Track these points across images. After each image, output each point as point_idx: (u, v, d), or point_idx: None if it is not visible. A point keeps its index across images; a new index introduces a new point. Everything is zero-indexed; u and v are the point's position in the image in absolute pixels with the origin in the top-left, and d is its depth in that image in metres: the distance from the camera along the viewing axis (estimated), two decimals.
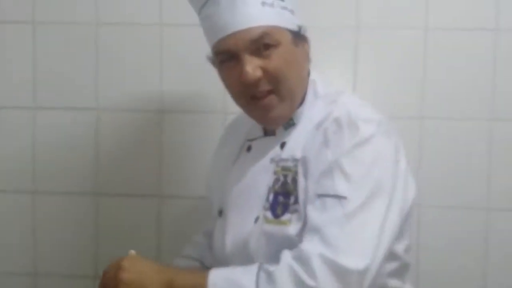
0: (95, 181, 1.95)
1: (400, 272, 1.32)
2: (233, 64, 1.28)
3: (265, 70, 1.26)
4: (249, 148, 1.40)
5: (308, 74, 1.38)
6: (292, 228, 1.24)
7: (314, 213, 1.19)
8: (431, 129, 1.84)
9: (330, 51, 1.84)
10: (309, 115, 1.33)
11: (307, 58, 1.36)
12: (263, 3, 1.26)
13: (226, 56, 1.29)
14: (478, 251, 1.85)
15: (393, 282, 1.29)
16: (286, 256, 1.17)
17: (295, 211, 1.25)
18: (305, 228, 1.19)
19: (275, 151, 1.34)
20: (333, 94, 1.33)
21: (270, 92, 1.29)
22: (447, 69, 1.83)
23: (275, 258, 1.21)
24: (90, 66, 1.93)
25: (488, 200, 1.85)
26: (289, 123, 1.34)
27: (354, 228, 1.16)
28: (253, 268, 1.18)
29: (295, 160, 1.28)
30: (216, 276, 1.19)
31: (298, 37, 1.31)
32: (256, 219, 1.30)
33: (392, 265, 1.27)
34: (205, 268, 1.51)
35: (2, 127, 1.97)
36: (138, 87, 1.92)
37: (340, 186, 1.18)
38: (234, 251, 1.34)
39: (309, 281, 1.12)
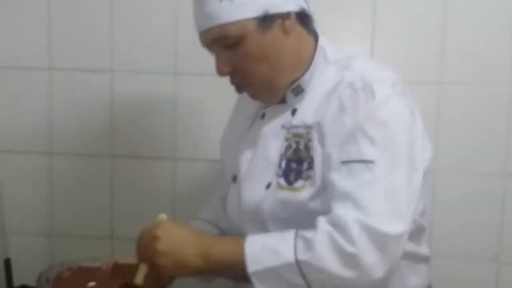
0: (110, 143, 1.96)
1: (415, 235, 1.32)
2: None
3: (234, 65, 1.28)
4: (263, 116, 1.40)
5: (317, 39, 1.35)
6: (305, 194, 1.24)
7: (342, 180, 1.17)
8: (450, 94, 1.83)
9: (348, 15, 1.83)
10: (320, 81, 1.31)
11: (286, 35, 1.28)
12: None
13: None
14: (494, 216, 1.86)
15: (409, 245, 1.28)
16: (323, 222, 1.16)
17: (308, 177, 1.24)
18: (332, 195, 1.18)
19: (286, 117, 1.33)
20: (345, 59, 1.31)
21: (243, 84, 1.31)
22: (466, 33, 1.81)
23: (288, 224, 1.22)
24: (105, 27, 1.92)
25: (506, 166, 1.84)
26: (298, 90, 1.32)
27: (385, 191, 1.15)
28: (290, 234, 1.17)
29: (308, 127, 1.27)
30: (253, 242, 1.19)
31: (267, 20, 1.25)
32: (268, 185, 1.30)
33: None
34: (221, 231, 1.53)
35: (18, 88, 1.98)
36: (152, 48, 1.91)
37: (366, 150, 1.17)
38: (247, 216, 1.34)
39: (348, 247, 1.11)
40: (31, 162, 1.99)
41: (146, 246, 1.25)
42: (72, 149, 1.98)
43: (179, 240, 1.24)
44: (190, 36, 1.83)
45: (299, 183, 1.25)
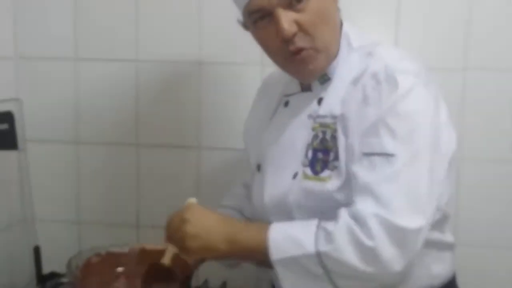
0: (136, 132, 1.98)
1: (440, 224, 1.32)
2: (267, 22, 1.26)
3: (300, 24, 1.24)
4: (286, 103, 1.40)
5: (341, 25, 1.34)
6: (332, 184, 1.24)
7: (363, 173, 1.18)
8: (475, 81, 1.81)
9: (372, 2, 1.82)
10: (345, 69, 1.30)
11: (337, 7, 1.31)
12: None
13: (259, 15, 1.26)
14: None
15: (433, 233, 1.29)
16: (344, 215, 1.16)
17: (335, 167, 1.24)
18: (354, 188, 1.19)
19: (313, 107, 1.33)
20: (368, 46, 1.30)
21: (306, 46, 1.26)
22: (491, 19, 1.79)
23: (313, 214, 1.23)
24: (130, 17, 1.93)
25: None
26: (324, 78, 1.32)
27: (405, 185, 1.15)
28: (312, 225, 1.19)
29: (334, 117, 1.27)
30: (276, 231, 1.21)
31: None
32: (295, 175, 1.30)
33: (433, 217, 1.25)
34: (245, 217, 1.55)
35: (45, 78, 2.00)
36: (177, 38, 1.92)
37: (387, 143, 1.17)
38: (273, 206, 1.34)
39: (367, 241, 1.12)
40: (58, 151, 2.02)
41: (175, 228, 1.27)
42: (98, 138, 2.00)
43: (208, 224, 1.26)
44: (214, 25, 1.87)
45: (326, 173, 1.25)
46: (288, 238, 1.19)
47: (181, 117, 1.95)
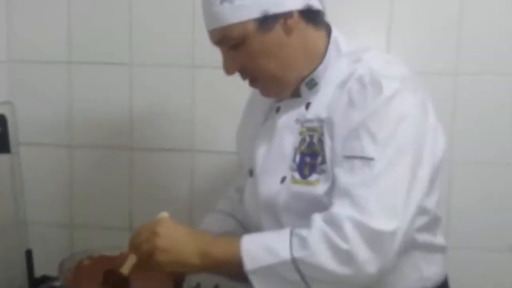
0: (129, 135, 1.98)
1: (431, 226, 1.32)
2: None
3: (240, 63, 1.29)
4: (278, 109, 1.40)
5: (329, 31, 1.34)
6: (320, 188, 1.24)
7: (343, 176, 1.18)
8: (466, 85, 1.82)
9: (365, 7, 1.83)
10: (333, 74, 1.30)
11: (289, 34, 1.27)
12: (222, 1, 1.24)
13: None
14: (510, 206, 1.85)
15: (424, 236, 1.30)
16: (317, 220, 1.17)
17: (323, 171, 1.25)
18: (334, 190, 1.19)
19: (300, 111, 1.33)
20: (358, 52, 1.30)
21: (254, 80, 1.32)
22: (483, 24, 1.81)
23: (303, 217, 1.23)
24: (124, 21, 1.94)
25: None
26: (312, 83, 1.32)
27: (383, 189, 1.15)
28: (285, 233, 1.19)
29: (321, 121, 1.28)
30: (249, 242, 1.21)
31: (267, 21, 1.24)
32: (283, 179, 1.30)
33: (422, 220, 1.27)
34: (238, 222, 1.55)
35: (38, 81, 2.00)
36: (170, 42, 1.92)
37: (367, 147, 1.17)
38: (263, 209, 1.35)
39: (342, 244, 1.13)
40: (51, 154, 2.02)
41: (144, 240, 1.25)
42: (92, 142, 2.01)
43: (179, 238, 1.25)
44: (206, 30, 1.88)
45: (313, 177, 1.26)
46: (262, 247, 1.19)
47: (174, 120, 1.96)
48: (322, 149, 1.25)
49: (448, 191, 1.82)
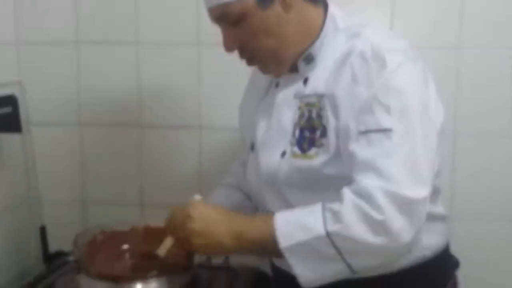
0: (138, 113, 2.00)
1: (431, 196, 1.32)
2: None
3: (239, 42, 1.31)
4: (277, 84, 1.42)
5: (326, 7, 1.36)
6: (318, 161, 1.26)
7: (362, 150, 1.19)
8: (469, 58, 1.83)
9: None
10: (331, 49, 1.32)
11: (287, 11, 1.29)
12: None
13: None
14: None
15: None
16: (348, 193, 1.17)
17: (322, 145, 1.27)
18: (354, 166, 1.20)
19: (299, 87, 1.35)
20: (355, 27, 1.31)
21: (251, 58, 1.34)
22: None
23: (304, 190, 1.27)
24: (130, 1, 1.95)
25: None
26: (309, 58, 1.34)
27: (406, 157, 1.17)
28: (318, 208, 1.19)
29: (319, 96, 1.29)
30: (282, 220, 1.21)
31: None
32: (283, 154, 1.33)
33: None
34: (244, 195, 1.58)
35: (47, 61, 2.01)
36: (176, 20, 1.93)
37: (383, 119, 1.19)
38: (265, 183, 1.37)
39: (376, 215, 1.13)
40: (62, 133, 2.04)
41: (179, 224, 1.27)
42: (101, 120, 2.02)
43: (212, 220, 1.26)
44: None
45: (312, 151, 1.28)
46: (295, 224, 1.20)
47: (182, 98, 1.97)
48: (321, 124, 1.27)
49: (452, 163, 1.84)
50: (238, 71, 1.83)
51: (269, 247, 1.21)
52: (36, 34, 1.99)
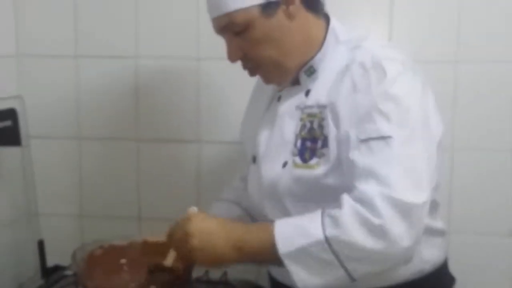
0: (136, 127, 2.00)
1: (430, 209, 1.32)
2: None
3: (244, 51, 1.32)
4: (279, 98, 1.43)
5: (328, 20, 1.38)
6: (319, 171, 1.27)
7: (362, 158, 1.20)
8: (466, 73, 1.83)
9: None
10: (332, 61, 1.34)
11: (291, 20, 1.31)
12: None
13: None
14: (510, 191, 1.86)
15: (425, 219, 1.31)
16: (347, 199, 1.18)
17: (323, 155, 1.28)
18: (354, 174, 1.20)
19: (300, 98, 1.36)
20: (356, 39, 1.33)
21: (255, 68, 1.36)
22: (482, 12, 1.81)
23: (305, 201, 1.28)
24: (130, 14, 1.95)
25: None
26: (310, 71, 1.36)
27: (406, 164, 1.18)
28: (317, 214, 1.20)
29: (321, 107, 1.31)
30: (281, 227, 1.21)
31: (270, 6, 1.29)
32: (284, 164, 1.34)
33: None
34: (244, 210, 1.58)
35: (46, 75, 2.01)
36: (175, 34, 1.94)
37: (383, 127, 1.20)
38: (266, 194, 1.38)
39: (374, 219, 1.14)
40: (61, 146, 2.04)
41: (180, 242, 1.27)
42: (100, 134, 2.02)
43: (212, 234, 1.25)
44: (210, 23, 1.88)
45: (314, 160, 1.29)
46: (294, 230, 1.20)
47: (180, 111, 1.97)
48: (322, 134, 1.29)
49: (449, 177, 1.84)
50: (236, 85, 1.85)
51: (269, 254, 1.21)
52: (36, 47, 2.00)
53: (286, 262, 1.19)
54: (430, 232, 1.36)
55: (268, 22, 1.29)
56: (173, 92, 1.97)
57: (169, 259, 1.30)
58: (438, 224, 1.41)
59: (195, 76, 1.95)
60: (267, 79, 1.40)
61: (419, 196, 1.17)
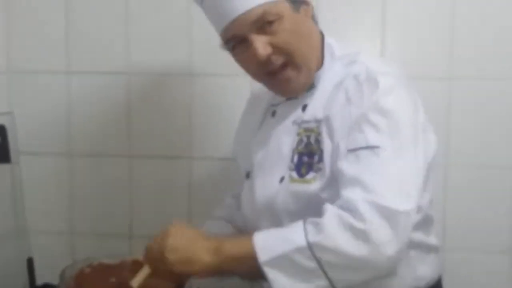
0: (128, 144, 1.98)
1: (424, 225, 1.34)
2: (244, 47, 1.30)
3: (274, 45, 1.28)
4: (273, 113, 1.43)
5: (323, 36, 1.39)
6: (316, 185, 1.27)
7: (349, 167, 1.20)
8: (460, 89, 1.83)
9: (358, 12, 1.84)
10: (328, 76, 1.34)
11: (311, 20, 1.35)
12: None
13: (236, 41, 1.31)
14: (506, 209, 1.86)
15: (418, 235, 1.32)
16: (330, 207, 1.17)
17: (319, 169, 1.27)
18: (341, 183, 1.20)
19: (297, 113, 1.36)
20: (351, 55, 1.34)
21: (285, 64, 1.31)
22: (475, 28, 1.82)
23: (301, 217, 1.23)
24: (121, 30, 1.94)
25: None
26: (310, 86, 1.37)
27: (392, 173, 1.18)
28: (299, 223, 1.19)
29: (318, 121, 1.31)
30: (262, 235, 1.21)
31: (296, 2, 1.31)
32: (281, 179, 1.33)
33: (416, 217, 1.27)
34: (236, 228, 1.56)
35: (37, 91, 2.00)
36: (167, 50, 1.93)
37: (371, 137, 1.20)
38: (261, 211, 1.37)
39: (359, 224, 1.13)
40: (51, 163, 2.02)
41: (156, 243, 1.27)
42: (91, 150, 2.00)
43: (189, 236, 1.26)
44: (204, 37, 1.87)
45: (310, 175, 1.28)
46: (276, 237, 1.19)
47: (172, 128, 1.96)
48: (319, 148, 1.29)
49: (443, 194, 1.83)
50: (229, 101, 1.89)
51: (247, 262, 1.19)
52: (27, 63, 1.99)
53: (266, 270, 1.17)
54: (425, 248, 1.36)
55: (297, 16, 1.30)
56: (165, 108, 1.96)
57: (138, 278, 1.28)
58: (432, 240, 1.40)
59: (187, 92, 1.94)
60: (292, 80, 1.33)
61: (405, 203, 1.17)
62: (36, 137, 2.01)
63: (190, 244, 1.24)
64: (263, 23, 1.27)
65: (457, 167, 1.85)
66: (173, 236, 1.25)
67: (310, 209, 1.26)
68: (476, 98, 1.83)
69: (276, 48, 1.28)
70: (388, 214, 1.14)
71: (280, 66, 1.31)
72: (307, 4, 1.33)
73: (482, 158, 1.85)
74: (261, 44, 1.27)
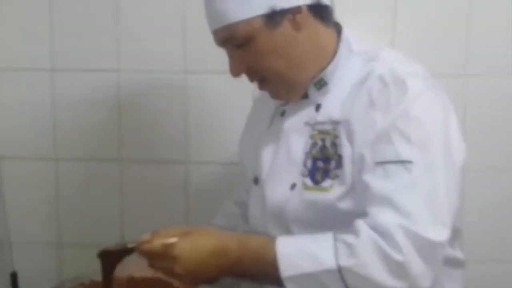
0: (118, 147, 1.94)
1: (451, 239, 1.26)
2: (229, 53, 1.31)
3: (247, 63, 1.28)
4: (283, 113, 1.38)
5: (340, 30, 1.33)
6: (334, 194, 1.21)
7: (378, 183, 1.14)
8: (475, 87, 1.80)
9: (369, 7, 1.82)
10: (345, 73, 1.29)
11: (298, 30, 1.26)
12: None
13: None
14: None
15: (446, 249, 1.24)
16: (363, 226, 1.11)
17: (337, 176, 1.22)
18: (368, 199, 1.14)
19: (310, 113, 1.31)
20: (371, 50, 1.29)
21: (262, 80, 1.31)
22: (491, 23, 1.78)
23: (314, 227, 1.20)
24: (110, 25, 1.89)
25: None
26: (321, 83, 1.30)
27: (426, 194, 1.12)
28: (328, 238, 1.13)
29: (334, 123, 1.25)
30: (285, 246, 1.15)
31: (275, 17, 1.24)
32: (293, 186, 1.27)
33: None
34: None
35: (20, 90, 1.95)
36: (160, 46, 1.89)
37: (403, 150, 1.14)
38: (271, 220, 1.31)
39: (396, 255, 1.08)
40: (35, 168, 1.97)
41: (159, 265, 1.20)
42: (79, 154, 1.96)
43: (200, 259, 1.17)
44: (199, 34, 1.81)
45: (327, 182, 1.23)
46: (301, 252, 1.14)
47: (166, 130, 1.92)
48: (336, 153, 1.23)
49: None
50: (228, 101, 1.86)
51: (266, 269, 1.15)
52: (9, 60, 1.94)
53: (289, 285, 1.13)
54: (452, 263, 1.31)
55: (273, 34, 1.24)
56: (158, 109, 1.92)
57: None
58: (459, 254, 1.35)
59: (182, 91, 1.89)
60: (275, 95, 1.34)
61: (440, 233, 1.12)
62: (19, 140, 1.97)
63: (202, 268, 1.17)
64: (233, 43, 1.26)
65: (472, 170, 1.77)
66: (182, 261, 1.16)
67: (324, 220, 1.22)
68: (492, 96, 1.80)
69: (250, 67, 1.29)
70: (425, 246, 1.09)
71: (259, 80, 1.32)
72: (297, 11, 1.25)
73: (499, 160, 1.82)
74: (235, 62, 1.29)
